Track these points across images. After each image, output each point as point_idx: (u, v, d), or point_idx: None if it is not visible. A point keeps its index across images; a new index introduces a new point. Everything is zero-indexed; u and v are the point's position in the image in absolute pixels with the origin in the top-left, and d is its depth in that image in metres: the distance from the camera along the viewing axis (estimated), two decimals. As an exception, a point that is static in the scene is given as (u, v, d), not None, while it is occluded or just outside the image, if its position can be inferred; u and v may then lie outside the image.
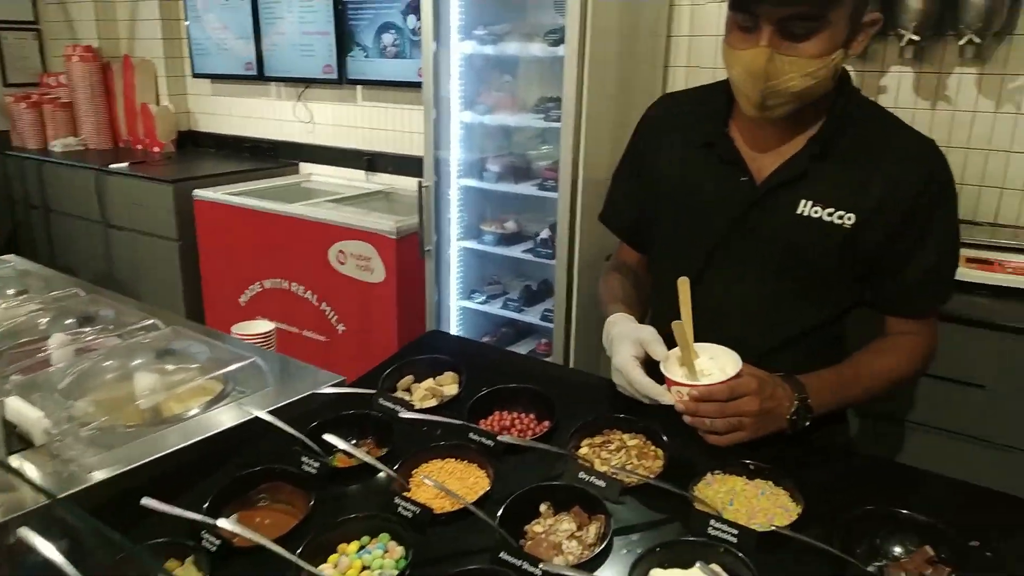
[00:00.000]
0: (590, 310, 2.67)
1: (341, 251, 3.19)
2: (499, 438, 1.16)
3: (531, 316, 2.90)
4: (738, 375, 1.13)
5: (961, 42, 2.11)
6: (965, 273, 1.95)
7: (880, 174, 1.21)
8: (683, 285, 1.19)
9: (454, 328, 3.08)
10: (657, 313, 1.50)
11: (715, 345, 1.19)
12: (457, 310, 3.09)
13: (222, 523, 1.02)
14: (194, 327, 1.79)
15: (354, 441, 1.29)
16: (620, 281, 1.48)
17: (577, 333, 2.69)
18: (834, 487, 1.10)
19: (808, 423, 1.18)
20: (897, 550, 0.98)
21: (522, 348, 3.04)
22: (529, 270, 3.12)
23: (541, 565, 0.93)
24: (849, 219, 1.22)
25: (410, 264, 3.04)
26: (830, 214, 1.23)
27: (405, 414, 1.25)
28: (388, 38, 3.55)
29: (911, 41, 2.15)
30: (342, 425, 1.30)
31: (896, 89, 2.36)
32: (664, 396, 1.16)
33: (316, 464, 1.18)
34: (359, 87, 3.81)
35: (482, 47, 2.81)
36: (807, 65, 1.14)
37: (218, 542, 1.05)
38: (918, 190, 1.21)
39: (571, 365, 2.69)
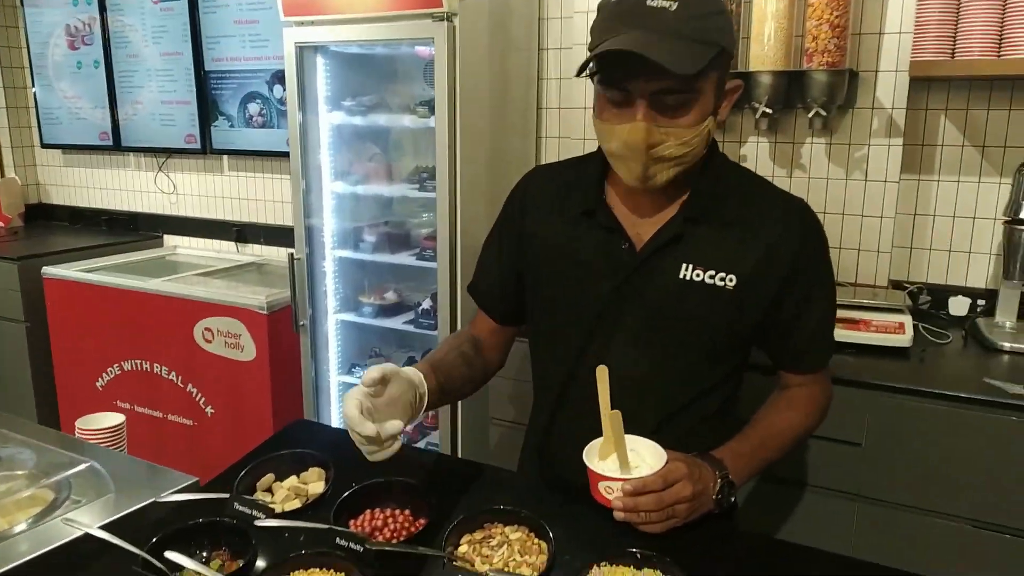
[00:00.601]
0: (473, 382, 2.60)
1: (208, 328, 2.99)
2: (367, 544, 1.05)
3: (413, 390, 2.79)
4: (667, 462, 1.09)
5: (809, 115, 2.24)
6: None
7: (756, 236, 1.23)
8: (602, 374, 1.13)
9: (334, 405, 2.93)
10: (539, 388, 1.45)
11: (629, 436, 1.14)
12: (337, 386, 2.94)
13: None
14: (26, 426, 1.59)
15: (205, 555, 1.15)
16: (447, 346, 1.40)
17: (464, 405, 2.60)
18: (721, 570, 1.06)
19: (732, 499, 1.15)
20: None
21: (409, 423, 2.91)
22: (412, 341, 3.03)
23: None
24: (731, 280, 1.22)
25: (284, 340, 2.88)
26: (711, 276, 1.23)
27: (262, 521, 1.12)
28: (254, 108, 3.44)
29: (764, 113, 2.26)
30: (192, 536, 1.15)
31: (755, 157, 2.46)
32: (362, 427, 1.03)
33: (158, 587, 1.04)
34: (225, 157, 3.66)
35: (351, 118, 2.76)
36: (683, 134, 1.16)
37: None
38: (795, 249, 1.24)
39: (459, 440, 2.60)
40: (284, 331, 2.86)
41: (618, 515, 1.08)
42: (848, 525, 1.97)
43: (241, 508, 1.19)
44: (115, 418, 1.82)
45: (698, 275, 1.23)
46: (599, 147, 1.28)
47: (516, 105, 2.76)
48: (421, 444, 2.83)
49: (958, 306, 2.37)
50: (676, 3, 1.11)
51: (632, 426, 1.23)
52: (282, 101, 3.33)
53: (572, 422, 1.34)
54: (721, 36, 1.15)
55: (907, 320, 2.10)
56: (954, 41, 2.10)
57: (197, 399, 3.07)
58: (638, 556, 1.05)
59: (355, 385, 1.14)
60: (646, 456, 1.12)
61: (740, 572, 1.06)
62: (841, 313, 2.03)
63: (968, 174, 2.35)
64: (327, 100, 2.76)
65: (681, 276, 1.24)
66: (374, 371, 1.11)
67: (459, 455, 2.60)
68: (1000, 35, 2.06)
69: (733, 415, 1.38)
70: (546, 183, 1.42)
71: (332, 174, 2.84)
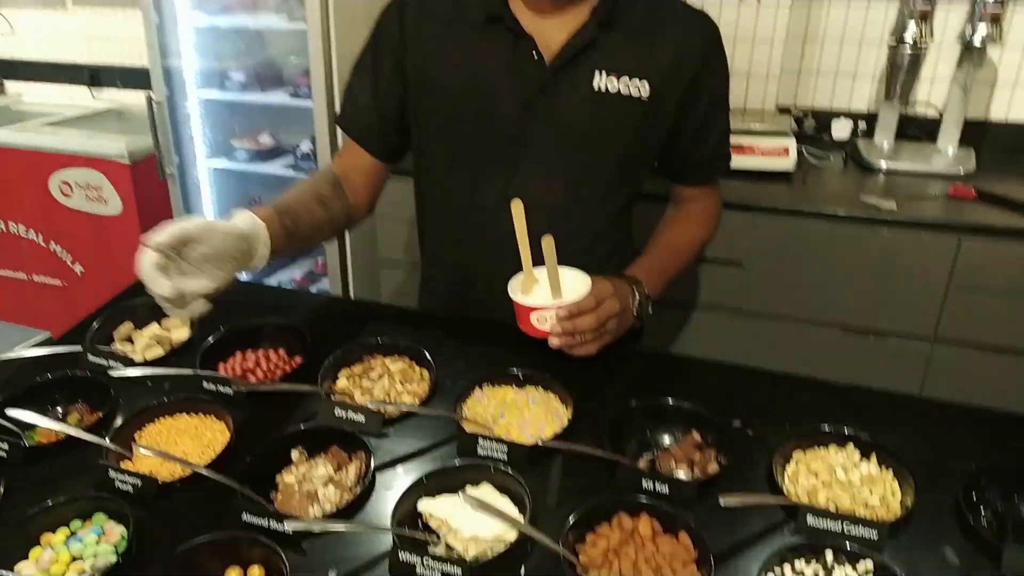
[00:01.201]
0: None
1: (65, 182, 2.73)
2: (236, 386, 0.99)
3: (299, 238, 2.67)
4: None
5: (702, -74, 2.12)
6: (718, 157, 2.01)
7: (667, 40, 1.16)
8: (517, 208, 1.03)
9: (214, 259, 2.78)
10: (433, 226, 1.36)
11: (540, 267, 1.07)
12: (216, 238, 2.77)
13: None
14: None
15: (61, 411, 1.07)
16: (301, 186, 1.22)
17: (353, 249, 2.51)
18: (602, 384, 1.06)
19: (650, 311, 1.14)
20: (666, 440, 0.96)
21: (298, 270, 2.82)
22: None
23: (287, 523, 0.80)
24: (644, 88, 1.15)
25: (152, 191, 2.67)
26: (626, 84, 1.15)
27: (119, 371, 1.04)
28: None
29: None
30: (44, 393, 1.07)
31: None
32: (157, 285, 0.91)
33: (3, 446, 0.95)
34: (66, -12, 3.22)
35: (207, -66, 2.43)
36: None
37: None
38: (704, 55, 1.18)
39: (350, 283, 2.53)
40: (151, 182, 2.65)
41: (554, 342, 1.02)
42: (734, 339, 2.06)
43: (96, 359, 1.10)
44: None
45: (612, 83, 1.14)
46: None
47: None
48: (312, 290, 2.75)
49: (840, 129, 2.40)
50: None
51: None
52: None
53: (480, 260, 1.25)
54: None
55: (791, 144, 2.11)
56: None
57: (63, 258, 2.85)
58: (519, 376, 1.04)
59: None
60: (569, 280, 1.07)
61: (621, 384, 1.07)
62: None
63: (858, -8, 2.31)
64: (175, -86, 2.42)
65: (595, 86, 1.14)
66: (164, 234, 0.91)
67: (351, 298, 2.54)
68: None
69: (629, 240, 1.36)
70: None
71: (190, 3, 2.53)
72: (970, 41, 2.08)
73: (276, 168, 2.62)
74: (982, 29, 2.05)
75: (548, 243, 1.01)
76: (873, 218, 1.85)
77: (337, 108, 2.27)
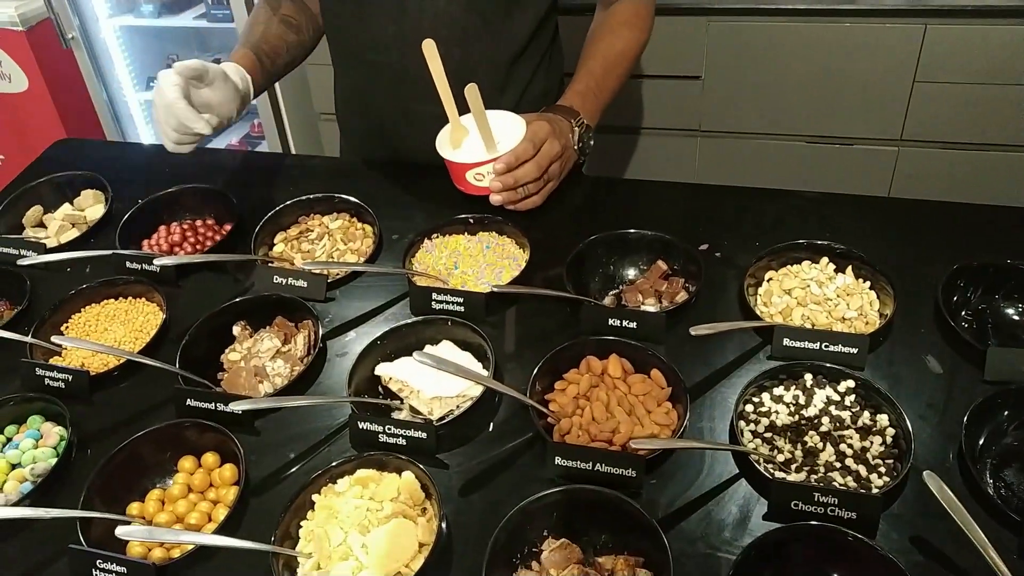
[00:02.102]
0: (295, 81, 2.31)
1: (-43, 58, 2.47)
2: (158, 261, 0.90)
3: (228, 96, 2.47)
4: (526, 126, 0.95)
5: None
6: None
7: None
8: (430, 49, 0.91)
9: (141, 127, 2.58)
10: (343, 56, 1.22)
11: (469, 115, 0.95)
12: (139, 105, 2.57)
13: None
14: None
15: (-25, 308, 0.98)
16: (265, 14, 1.14)
17: (286, 105, 2.34)
18: (560, 222, 0.99)
19: (591, 142, 1.04)
20: (631, 273, 0.90)
21: (233, 136, 2.64)
22: (213, 39, 2.62)
23: (233, 404, 0.74)
24: None
25: (57, 60, 2.42)
26: None
27: (27, 259, 0.94)
28: None
29: None
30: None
31: None
32: (190, 119, 0.90)
33: (-83, 353, 0.88)
34: None
35: None
36: None
37: None
38: None
39: (290, 142, 2.37)
40: (54, 49, 2.39)
41: (495, 199, 0.93)
42: (691, 162, 1.98)
43: (5, 249, 1.00)
44: None
45: None
46: None
47: None
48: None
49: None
50: None
51: (470, 82, 1.07)
52: None
53: (392, 100, 1.11)
54: None
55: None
56: None
57: (-23, 145, 2.64)
58: (470, 221, 0.96)
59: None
60: (501, 126, 0.96)
61: (581, 217, 0.99)
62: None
63: None
64: None
65: None
66: (195, 62, 0.92)
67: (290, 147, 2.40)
68: None
69: (557, 47, 1.23)
70: None
71: None
72: None
73: (187, 20, 2.38)
74: None
75: (472, 92, 0.90)
76: (834, 9, 1.72)
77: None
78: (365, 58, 1.11)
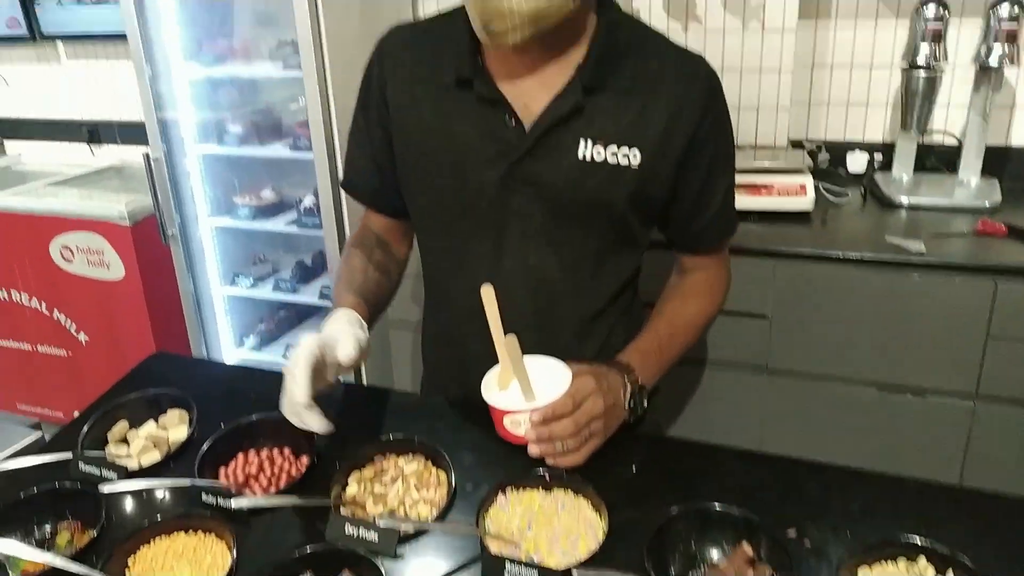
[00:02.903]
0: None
1: (66, 247, 2.68)
2: (235, 503, 0.91)
3: (308, 295, 2.60)
4: (572, 378, 0.97)
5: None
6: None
7: (661, 100, 1.06)
8: (488, 294, 0.97)
9: (221, 320, 2.71)
10: (430, 294, 1.29)
11: (528, 356, 0.99)
12: (223, 300, 2.71)
13: None
14: None
15: (49, 527, 0.99)
16: (361, 262, 1.22)
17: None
18: (637, 484, 0.97)
19: (646, 405, 1.05)
20: (715, 553, 0.87)
21: (305, 332, 2.74)
22: (299, 243, 2.80)
23: None
24: (635, 157, 1.06)
25: (154, 253, 2.61)
26: (614, 153, 1.06)
27: (112, 485, 0.96)
28: (83, -21, 2.97)
29: (659, -37, 2.06)
30: (32, 507, 0.99)
31: (648, 9, 2.29)
32: (313, 420, 0.93)
33: (-11, 579, 0.87)
34: (59, 42, 3.19)
35: (199, -14, 2.39)
36: None
37: None
38: (701, 113, 1.07)
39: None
40: (153, 244, 2.58)
41: (532, 450, 0.95)
42: (759, 399, 1.96)
43: (88, 469, 1.02)
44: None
45: (599, 153, 1.05)
46: None
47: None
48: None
49: (856, 162, 2.32)
50: None
51: (554, 332, 1.11)
52: (116, -30, 2.88)
53: (471, 336, 1.15)
54: None
55: (808, 181, 2.03)
56: None
57: (67, 326, 2.79)
58: (546, 478, 0.95)
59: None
60: (548, 376, 0.98)
61: (659, 482, 0.98)
62: (742, 179, 1.95)
63: (865, 16, 2.24)
64: (167, -33, 2.38)
65: (581, 156, 1.06)
66: (314, 346, 0.95)
67: (362, 369, 2.46)
68: None
69: (637, 305, 1.28)
70: (407, 46, 1.17)
71: (183, 54, 2.48)
72: (986, 62, 2.00)
73: (279, 225, 2.56)
74: (997, 49, 1.98)
75: (512, 343, 0.93)
76: (901, 261, 1.76)
77: (339, 160, 2.26)
78: (458, 303, 1.17)
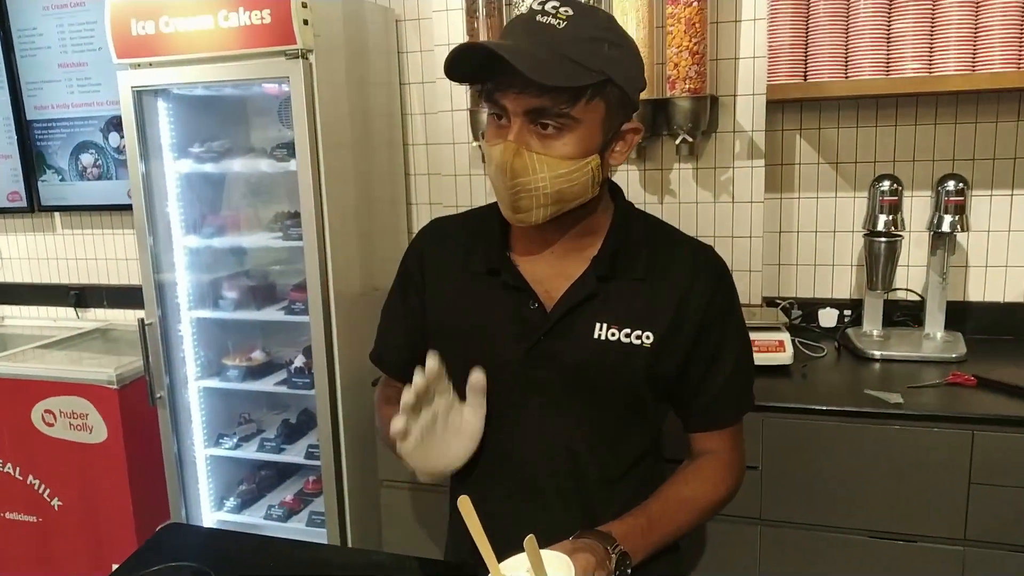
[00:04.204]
0: (362, 436, 2.44)
1: (48, 410, 2.66)
2: None
3: (293, 454, 2.58)
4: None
5: (676, 141, 2.26)
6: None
7: (669, 290, 1.17)
8: (464, 504, 1.00)
9: (203, 482, 2.66)
10: None
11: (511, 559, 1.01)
12: (205, 460, 2.68)
13: None
14: None
15: None
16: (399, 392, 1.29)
17: (349, 467, 2.42)
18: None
19: (629, 572, 1.07)
20: None
21: (287, 492, 2.70)
22: (285, 401, 2.82)
23: None
24: (648, 338, 1.16)
25: (139, 415, 2.60)
26: (627, 335, 1.16)
27: (134, 667, 0.94)
28: (87, 159, 3.13)
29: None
30: None
31: (626, 185, 2.47)
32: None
33: None
34: (57, 214, 3.31)
35: (201, 165, 2.54)
36: (558, 166, 1.08)
37: None
38: (708, 301, 1.18)
39: (346, 507, 2.42)
40: (138, 405, 2.58)
41: None
42: (752, 550, 1.97)
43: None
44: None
45: (614, 334, 1.16)
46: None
47: (380, 141, 2.64)
48: (304, 514, 2.61)
49: (827, 318, 2.46)
50: (566, 22, 1.05)
51: (579, 493, 1.15)
52: (120, 150, 3.05)
53: (497, 499, 1.20)
54: (611, 67, 1.07)
55: (786, 337, 2.14)
56: (805, 65, 2.20)
57: (40, 491, 2.71)
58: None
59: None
60: (555, 567, 0.98)
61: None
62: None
63: (825, 190, 2.46)
64: (172, 147, 2.53)
65: (596, 336, 1.16)
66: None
67: (347, 522, 2.42)
68: (846, 58, 2.17)
69: (660, 461, 1.32)
70: (444, 239, 1.32)
71: (183, 227, 2.60)
72: (939, 229, 2.19)
73: (268, 385, 2.59)
74: (948, 218, 2.17)
75: (531, 544, 0.95)
76: (881, 412, 1.84)
77: (334, 320, 2.34)
78: (483, 469, 1.22)
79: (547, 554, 1.00)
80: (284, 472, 2.81)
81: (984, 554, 1.79)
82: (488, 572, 0.97)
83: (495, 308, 1.20)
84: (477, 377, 1.13)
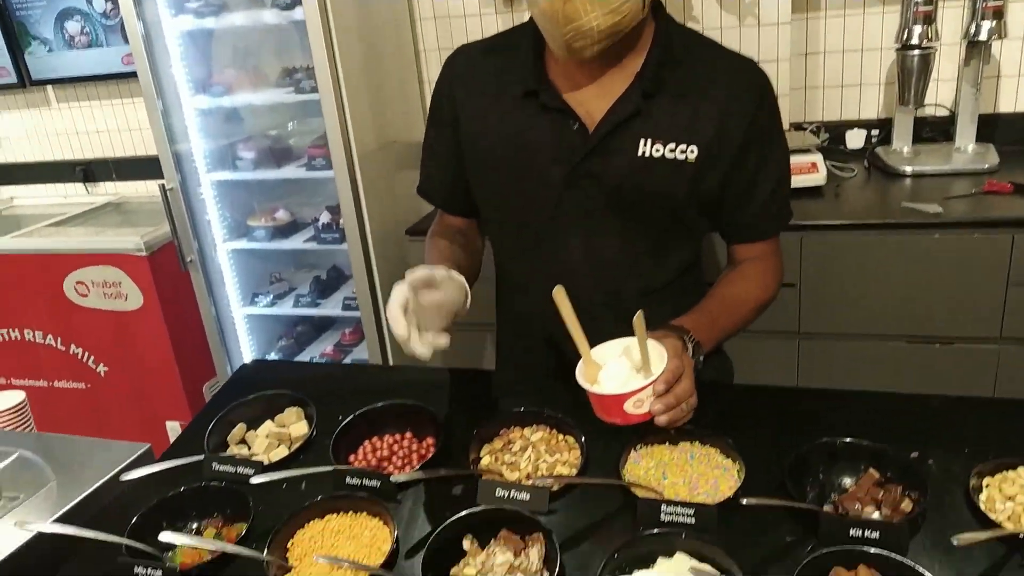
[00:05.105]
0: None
1: (80, 282, 2.67)
2: (394, 478, 0.95)
3: (329, 308, 2.63)
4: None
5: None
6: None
7: (713, 104, 1.14)
8: (560, 295, 1.00)
9: (244, 341, 2.72)
10: (503, 288, 1.36)
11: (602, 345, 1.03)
12: (243, 319, 2.72)
13: None
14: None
15: (195, 527, 1.01)
16: (447, 245, 1.29)
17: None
18: (758, 429, 1.03)
19: (703, 361, 1.11)
20: (846, 481, 0.93)
21: (326, 344, 2.77)
22: (313, 259, 2.83)
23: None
24: (692, 152, 1.14)
25: (171, 280, 2.61)
26: (672, 150, 1.14)
27: (258, 477, 0.99)
28: (73, 26, 2.98)
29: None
30: (172, 510, 1.01)
31: (700, 8, 2.36)
32: (416, 347, 0.99)
33: (157, 572, 0.90)
34: (50, 87, 3.18)
35: (201, 20, 2.42)
36: (609, 2, 1.03)
37: None
38: (752, 114, 1.15)
39: (388, 353, 2.48)
40: (169, 271, 2.59)
41: (662, 420, 0.94)
42: (791, 362, 2.05)
43: (222, 468, 1.05)
44: (14, 396, 1.59)
45: (658, 150, 1.13)
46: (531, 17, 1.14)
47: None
48: (348, 362, 2.69)
49: (855, 139, 2.43)
50: None
51: (618, 310, 1.16)
52: (106, 14, 2.90)
53: (546, 319, 1.21)
54: None
55: (818, 159, 2.13)
56: None
57: (85, 360, 2.77)
58: (671, 432, 1.01)
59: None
60: (623, 353, 1.01)
61: (779, 424, 1.04)
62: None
63: (853, 6, 2.36)
64: (169, 4, 2.41)
65: (640, 153, 1.14)
66: (420, 271, 0.99)
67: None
68: None
69: (701, 288, 1.34)
70: (475, 65, 1.26)
71: (191, 88, 2.51)
72: (975, 38, 2.13)
73: (297, 243, 2.59)
74: (986, 24, 2.10)
75: (639, 321, 0.95)
76: (920, 223, 1.86)
77: (358, 173, 2.31)
78: (530, 289, 1.24)
79: (632, 340, 1.02)
80: (320, 326, 2.87)
81: (1019, 351, 1.87)
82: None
83: (534, 130, 1.17)
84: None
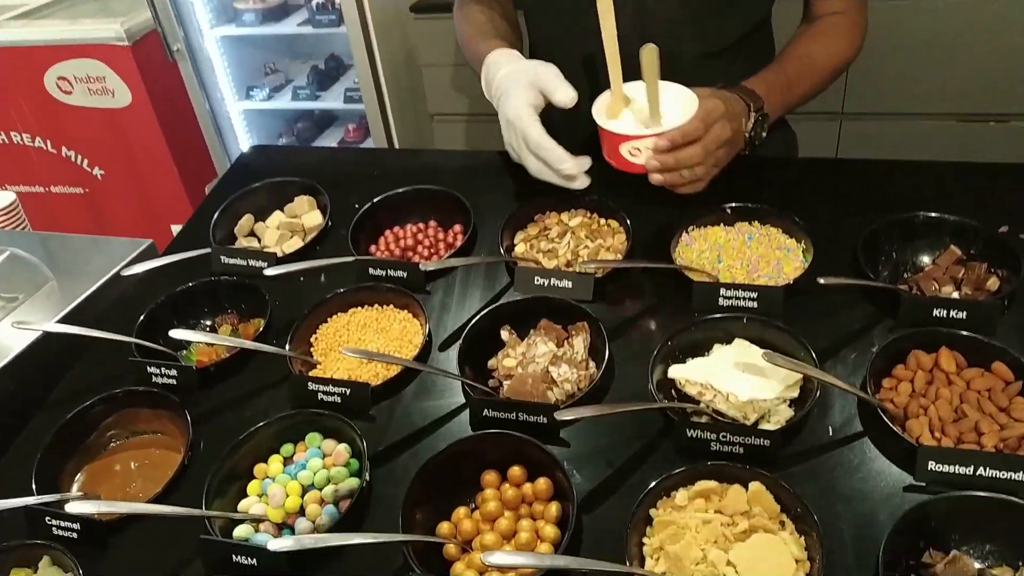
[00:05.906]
0: (403, 77, 2.28)
1: (62, 77, 2.47)
2: (423, 266, 0.86)
3: (331, 100, 2.45)
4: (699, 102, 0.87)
5: None
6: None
7: None
8: (604, 5, 0.85)
9: (241, 135, 2.57)
10: (536, 50, 1.19)
11: (638, 83, 0.88)
12: (239, 115, 2.56)
13: (74, 507, 0.69)
14: None
15: (208, 324, 0.95)
16: (487, 14, 1.12)
17: (397, 102, 2.30)
18: (818, 204, 0.93)
19: (764, 135, 0.98)
20: (924, 259, 0.84)
21: (329, 141, 2.62)
22: (309, 46, 2.61)
23: (558, 413, 0.70)
24: None
25: (159, 74, 2.42)
26: None
27: (273, 269, 0.90)
28: None
29: None
30: (182, 308, 0.94)
31: None
32: (566, 164, 0.88)
33: (172, 372, 0.84)
34: None
35: None
36: None
37: (76, 526, 0.72)
38: None
39: (395, 142, 2.34)
40: (156, 63, 2.39)
41: (656, 179, 0.85)
42: (829, 147, 1.91)
43: (233, 261, 0.96)
44: (4, 197, 1.49)
45: None
46: None
47: None
48: (354, 159, 2.56)
49: None
50: None
51: (672, 68, 1.01)
52: None
53: (595, 84, 1.08)
54: None
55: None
56: None
57: (79, 163, 2.64)
58: (727, 212, 0.91)
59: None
60: (670, 99, 0.88)
61: (838, 200, 0.94)
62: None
63: None
64: None
65: None
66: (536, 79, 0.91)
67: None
68: None
69: (770, 51, 1.17)
70: None
71: None
72: None
73: (291, 27, 2.36)
74: None
75: (650, 54, 0.81)
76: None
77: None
78: (571, 51, 1.07)
79: (673, 86, 0.89)
80: (321, 122, 2.70)
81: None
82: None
83: None
84: None
